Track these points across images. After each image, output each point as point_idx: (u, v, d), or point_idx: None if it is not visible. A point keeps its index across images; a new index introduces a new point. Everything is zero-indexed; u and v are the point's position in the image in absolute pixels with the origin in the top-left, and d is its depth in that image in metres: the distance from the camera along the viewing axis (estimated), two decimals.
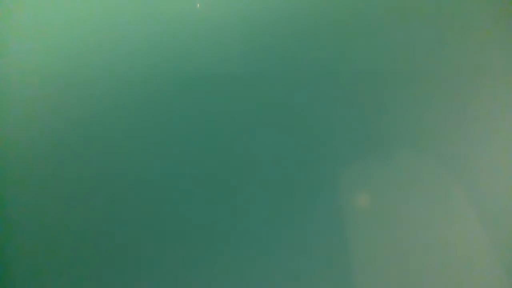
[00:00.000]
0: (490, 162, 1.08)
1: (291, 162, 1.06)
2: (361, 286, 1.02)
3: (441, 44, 1.11)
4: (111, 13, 1.11)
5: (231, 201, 1.05)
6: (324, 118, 1.08)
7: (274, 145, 1.07)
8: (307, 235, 1.03)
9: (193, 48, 1.10)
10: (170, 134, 1.07)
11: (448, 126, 1.08)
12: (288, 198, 1.05)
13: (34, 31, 1.10)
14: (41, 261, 1.03)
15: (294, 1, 1.11)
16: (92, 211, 1.04)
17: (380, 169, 1.06)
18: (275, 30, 1.10)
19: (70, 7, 1.11)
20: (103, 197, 1.05)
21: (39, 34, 1.10)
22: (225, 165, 1.06)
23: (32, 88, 1.09)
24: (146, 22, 1.10)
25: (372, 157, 1.06)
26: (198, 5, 1.11)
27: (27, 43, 1.10)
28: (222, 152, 1.06)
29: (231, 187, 1.05)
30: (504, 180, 1.08)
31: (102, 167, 1.06)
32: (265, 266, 1.02)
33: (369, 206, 1.05)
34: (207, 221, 1.04)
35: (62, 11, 1.11)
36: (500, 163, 1.08)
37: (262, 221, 1.04)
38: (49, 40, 1.10)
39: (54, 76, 1.09)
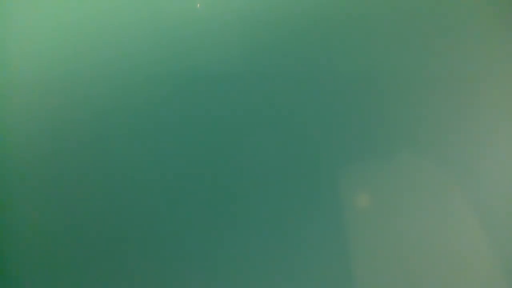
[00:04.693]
0: (491, 163, 1.08)
1: (291, 162, 1.06)
2: (362, 287, 1.02)
3: (442, 45, 1.11)
4: (111, 13, 1.11)
5: (231, 201, 1.05)
6: (325, 118, 1.08)
7: (274, 145, 1.06)
8: (307, 235, 1.03)
9: (193, 48, 1.10)
10: (169, 134, 1.07)
11: (448, 127, 1.08)
12: (288, 198, 1.05)
13: (34, 31, 1.11)
14: (41, 261, 1.03)
15: (294, 1, 1.11)
16: (92, 211, 1.04)
17: (380, 170, 1.06)
18: (276, 30, 1.10)
19: (70, 6, 1.11)
20: (103, 198, 1.05)
21: (39, 34, 1.10)
22: (225, 164, 1.06)
23: (32, 88, 1.09)
24: (145, 22, 1.10)
25: (372, 157, 1.06)
26: (198, 5, 1.11)
27: (26, 43, 1.10)
28: (222, 151, 1.06)
29: (231, 187, 1.05)
30: (505, 180, 1.07)
31: (102, 167, 1.06)
32: (265, 266, 1.02)
33: (369, 207, 1.05)
34: (208, 221, 1.04)
35: (62, 11, 1.11)
36: (501, 164, 1.08)
37: (262, 221, 1.04)
38: (49, 40, 1.10)
39: (54, 76, 1.09)
